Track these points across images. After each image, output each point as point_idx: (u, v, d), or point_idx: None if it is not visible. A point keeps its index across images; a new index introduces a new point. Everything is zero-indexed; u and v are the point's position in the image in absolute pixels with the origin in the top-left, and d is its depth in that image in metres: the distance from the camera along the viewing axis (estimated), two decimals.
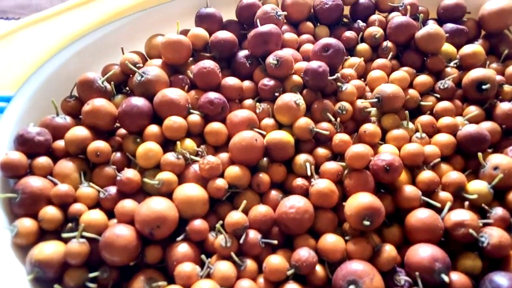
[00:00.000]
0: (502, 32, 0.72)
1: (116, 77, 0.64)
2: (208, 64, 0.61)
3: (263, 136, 0.57)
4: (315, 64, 0.60)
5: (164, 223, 0.48)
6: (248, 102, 0.63)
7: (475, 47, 0.66)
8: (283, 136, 0.56)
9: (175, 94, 0.58)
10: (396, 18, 0.69)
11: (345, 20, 0.76)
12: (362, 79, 0.67)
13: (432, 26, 0.66)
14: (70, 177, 0.53)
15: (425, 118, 0.62)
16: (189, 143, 0.56)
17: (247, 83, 0.64)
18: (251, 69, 0.66)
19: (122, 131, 0.60)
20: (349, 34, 0.70)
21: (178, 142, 0.54)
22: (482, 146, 0.58)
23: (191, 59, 0.67)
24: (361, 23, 0.71)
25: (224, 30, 0.69)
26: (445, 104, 0.63)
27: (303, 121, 0.57)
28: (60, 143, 0.56)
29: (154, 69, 0.60)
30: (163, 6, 0.69)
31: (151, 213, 0.48)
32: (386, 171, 0.53)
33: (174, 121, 0.56)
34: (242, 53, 0.66)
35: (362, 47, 0.70)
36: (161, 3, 0.69)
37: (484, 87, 0.61)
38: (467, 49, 0.67)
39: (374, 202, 0.49)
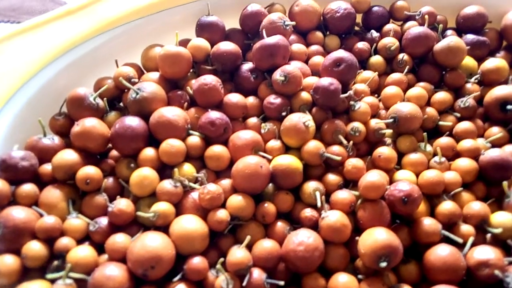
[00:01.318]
0: None
1: (109, 92, 0.59)
2: (209, 80, 0.56)
3: (269, 160, 0.53)
4: (326, 81, 0.55)
5: (159, 263, 0.43)
6: (253, 120, 0.58)
7: (498, 62, 0.61)
8: (291, 162, 0.51)
9: (173, 114, 0.53)
10: (413, 29, 0.63)
11: (356, 28, 0.71)
12: (376, 95, 0.62)
13: (452, 39, 0.61)
14: (57, 207, 0.49)
15: (444, 140, 0.57)
16: (188, 169, 0.52)
17: (251, 100, 0.60)
18: (256, 84, 0.61)
19: (115, 152, 0.55)
20: (361, 45, 0.65)
21: (175, 169, 0.50)
22: (506, 173, 0.53)
23: (191, 71, 0.62)
24: (374, 34, 0.66)
25: (227, 40, 0.64)
26: (466, 125, 0.58)
27: (313, 145, 0.53)
28: (47, 167, 0.52)
29: (150, 85, 0.55)
30: (162, 14, 0.64)
31: (145, 253, 0.43)
32: (404, 203, 0.48)
33: (171, 145, 0.51)
34: (246, 66, 0.61)
35: (376, 59, 0.65)
36: (159, 11, 0.64)
37: (508, 107, 0.57)
38: (490, 63, 0.62)
39: (391, 241, 0.45)
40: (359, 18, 0.70)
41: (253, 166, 0.49)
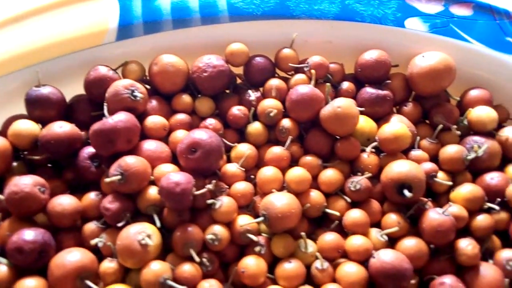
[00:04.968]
0: (438, 95, 0.56)
1: None
2: (22, 185, 0.44)
3: None
4: (171, 179, 0.43)
5: None
6: (90, 226, 0.46)
7: (397, 129, 0.50)
8: None
9: None
10: (298, 89, 0.51)
11: (239, 81, 0.59)
12: (252, 176, 0.51)
13: (340, 103, 0.49)
14: None
15: (329, 238, 0.46)
16: None
17: (92, 196, 0.47)
18: (98, 174, 0.48)
19: None
20: (236, 111, 0.53)
21: None
22: (400, 283, 0.43)
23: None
24: (252, 96, 0.54)
25: (71, 113, 0.52)
26: (355, 216, 0.47)
27: (152, 272, 0.41)
28: None
29: None
30: None
31: None
32: None
33: None
34: (87, 152, 0.49)
35: (254, 128, 0.53)
36: None
37: (406, 193, 0.46)
38: (388, 130, 0.50)
39: None
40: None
41: None
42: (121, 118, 0.47)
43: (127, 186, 0.45)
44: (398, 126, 0.50)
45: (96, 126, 0.47)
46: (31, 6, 0.52)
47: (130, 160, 0.45)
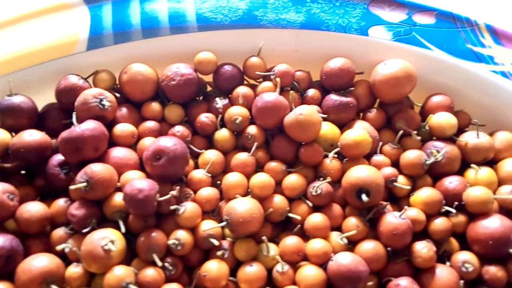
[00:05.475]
0: (400, 101, 0.57)
1: None
2: None
3: None
4: (134, 186, 0.45)
5: None
6: (58, 232, 0.48)
7: (358, 135, 0.51)
8: None
9: None
10: (263, 97, 0.53)
11: (210, 88, 0.60)
12: (219, 181, 0.52)
13: (302, 110, 0.51)
14: None
15: (290, 242, 0.48)
16: None
17: (61, 203, 0.49)
18: (68, 181, 0.50)
19: None
20: (204, 119, 0.55)
21: None
22: (356, 285, 0.45)
23: None
24: (219, 103, 0.56)
25: (43, 121, 0.53)
26: (316, 220, 0.49)
27: (115, 276, 0.42)
28: None
29: None
30: None
31: None
32: None
33: None
34: (57, 159, 0.50)
35: (222, 135, 0.54)
36: None
37: (364, 198, 0.47)
38: (349, 136, 0.52)
39: None
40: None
41: None
42: (89, 126, 0.48)
43: (92, 193, 0.46)
44: (359, 132, 0.52)
45: (64, 134, 0.48)
46: (3, 16, 0.53)
47: (95, 168, 0.46)
